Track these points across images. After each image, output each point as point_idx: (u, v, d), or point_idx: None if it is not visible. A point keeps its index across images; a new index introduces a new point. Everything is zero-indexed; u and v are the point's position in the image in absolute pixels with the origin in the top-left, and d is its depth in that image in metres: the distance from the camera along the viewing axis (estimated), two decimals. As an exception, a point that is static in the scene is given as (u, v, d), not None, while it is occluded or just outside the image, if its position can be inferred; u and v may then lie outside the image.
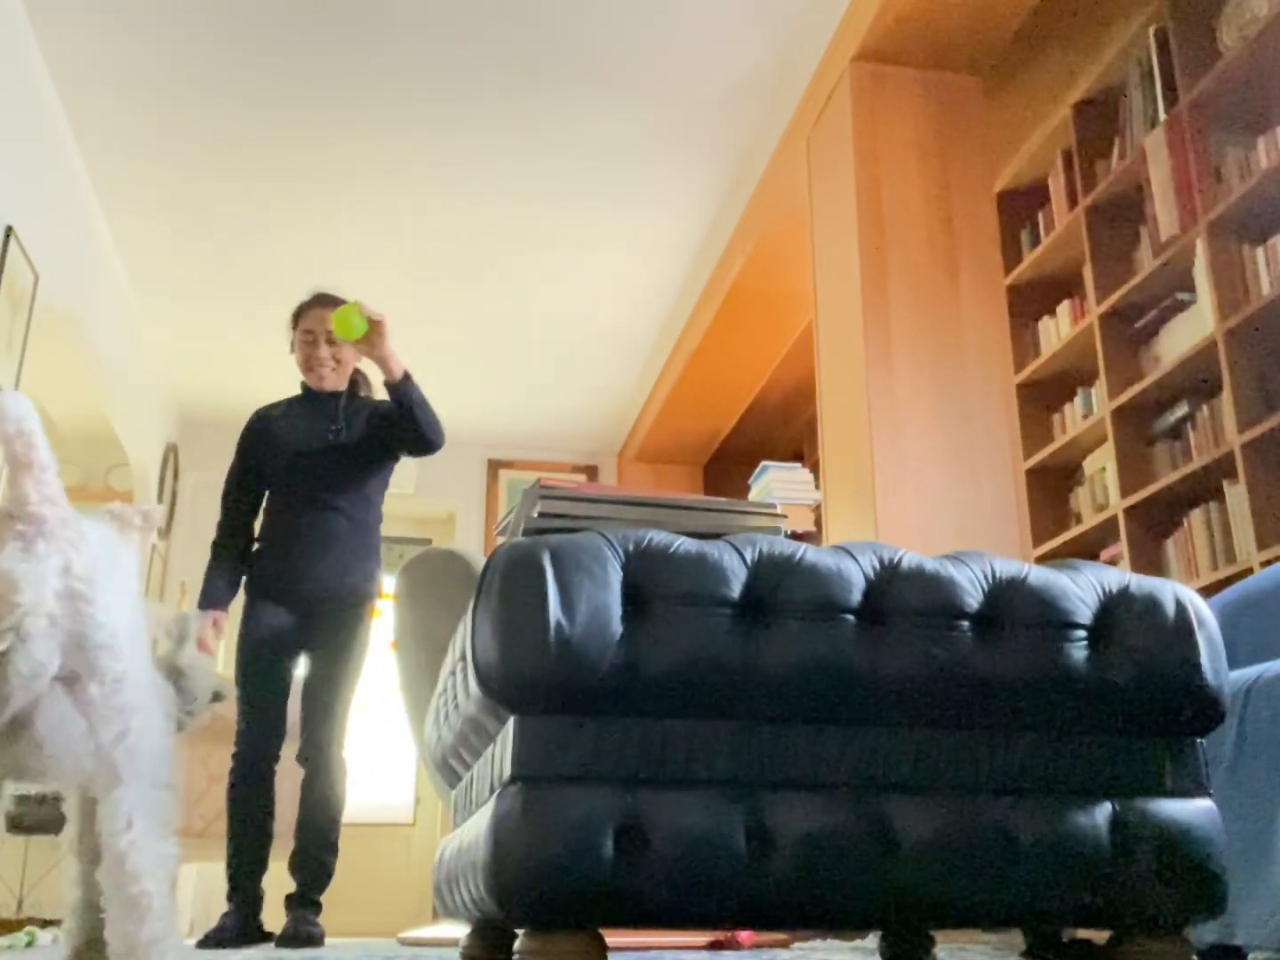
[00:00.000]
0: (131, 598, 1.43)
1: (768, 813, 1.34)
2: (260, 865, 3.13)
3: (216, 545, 3.31)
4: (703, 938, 2.93)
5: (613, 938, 2.29)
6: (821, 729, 1.39)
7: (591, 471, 7.42)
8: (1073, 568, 1.56)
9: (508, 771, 1.32)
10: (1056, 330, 3.93)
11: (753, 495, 4.02)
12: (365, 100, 4.25)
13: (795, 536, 3.58)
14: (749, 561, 1.42)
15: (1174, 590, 1.54)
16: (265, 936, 3.11)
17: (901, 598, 1.44)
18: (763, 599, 1.40)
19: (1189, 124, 3.27)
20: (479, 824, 1.41)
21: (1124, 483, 3.47)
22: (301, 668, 3.26)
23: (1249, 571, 2.92)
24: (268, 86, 4.17)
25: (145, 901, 1.31)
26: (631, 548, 1.40)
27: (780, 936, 3.14)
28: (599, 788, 1.31)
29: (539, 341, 6.04)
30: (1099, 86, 3.75)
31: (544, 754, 1.32)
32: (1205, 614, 1.53)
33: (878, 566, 1.46)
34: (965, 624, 1.44)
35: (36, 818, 4.17)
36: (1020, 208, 4.19)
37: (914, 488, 3.40)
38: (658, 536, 1.42)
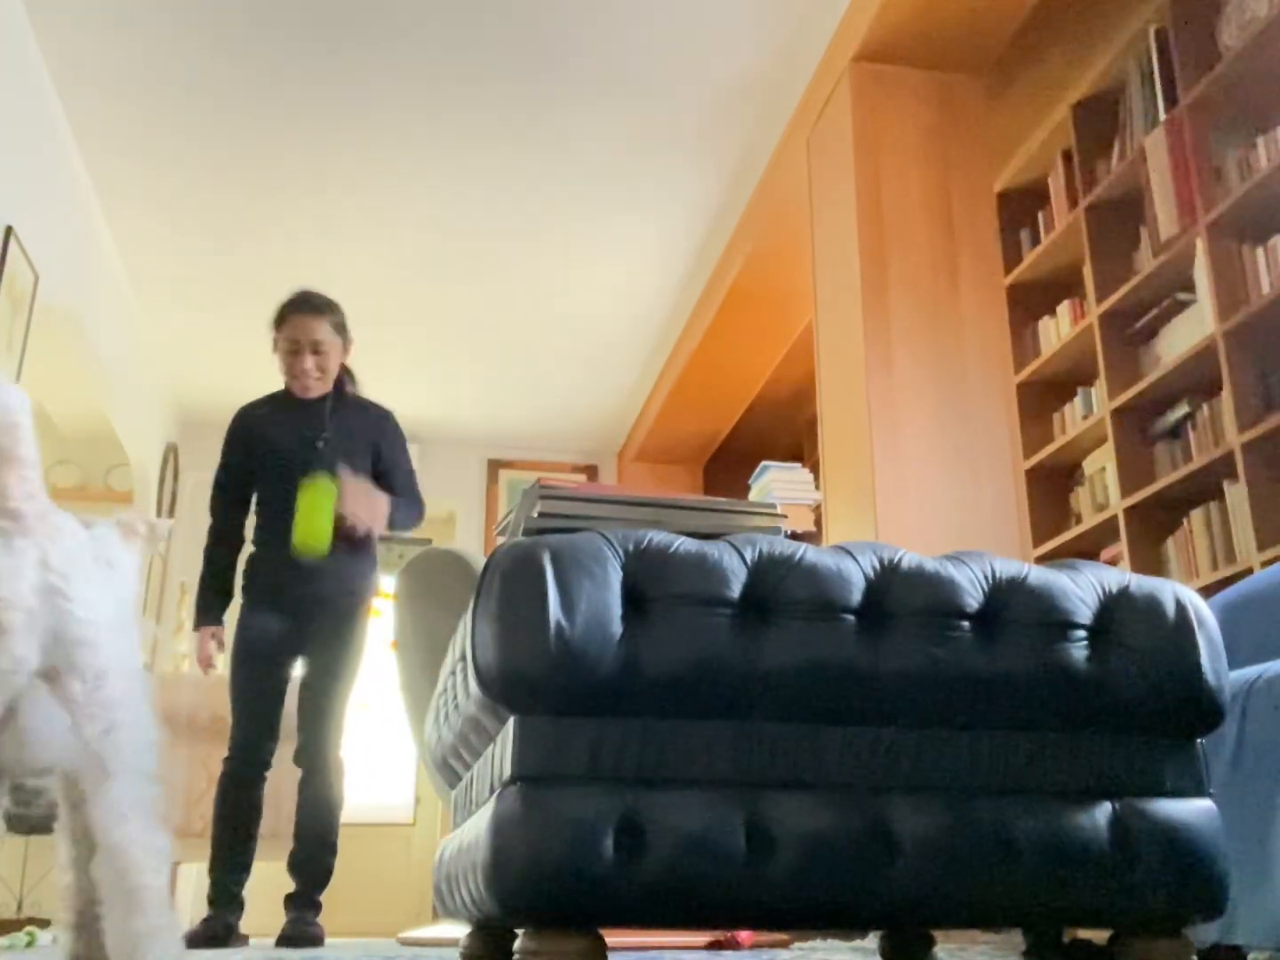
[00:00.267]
0: (119, 596, 1.42)
1: (768, 813, 1.34)
2: (244, 869, 3.13)
3: (209, 552, 3.30)
4: (703, 938, 2.93)
5: (613, 938, 2.29)
6: (821, 729, 1.39)
7: (591, 471, 7.42)
8: (1073, 568, 1.56)
9: (508, 771, 1.32)
10: (1056, 330, 3.93)
11: (753, 495, 4.02)
12: (366, 102, 4.25)
13: (795, 536, 3.58)
14: (749, 561, 1.42)
15: (1174, 590, 1.54)
16: (243, 940, 3.11)
17: (901, 598, 1.44)
18: (763, 599, 1.40)
19: (1189, 124, 3.27)
20: (479, 824, 1.41)
21: (1124, 483, 3.47)
22: (298, 669, 3.26)
23: (1249, 571, 2.92)
24: (267, 87, 4.17)
25: (143, 894, 1.30)
26: (631, 548, 1.40)
27: (780, 936, 3.14)
28: (599, 788, 1.31)
29: (539, 341, 6.04)
30: (1099, 86, 3.75)
31: (544, 754, 1.31)
32: (1205, 614, 1.53)
33: (878, 566, 1.46)
34: (965, 624, 1.44)
35: (30, 821, 4.17)
36: (1020, 208, 4.19)
37: (914, 488, 3.40)
38: (658, 536, 1.42)
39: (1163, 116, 3.38)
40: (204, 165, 4.60)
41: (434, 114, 4.33)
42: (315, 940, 3.07)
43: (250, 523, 3.35)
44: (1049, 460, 3.90)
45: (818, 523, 3.97)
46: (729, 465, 6.85)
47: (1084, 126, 3.81)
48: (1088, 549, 3.71)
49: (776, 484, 3.87)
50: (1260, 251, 3.08)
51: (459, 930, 3.18)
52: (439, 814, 6.69)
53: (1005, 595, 1.48)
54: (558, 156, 4.57)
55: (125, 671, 1.37)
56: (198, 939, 2.96)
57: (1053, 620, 1.47)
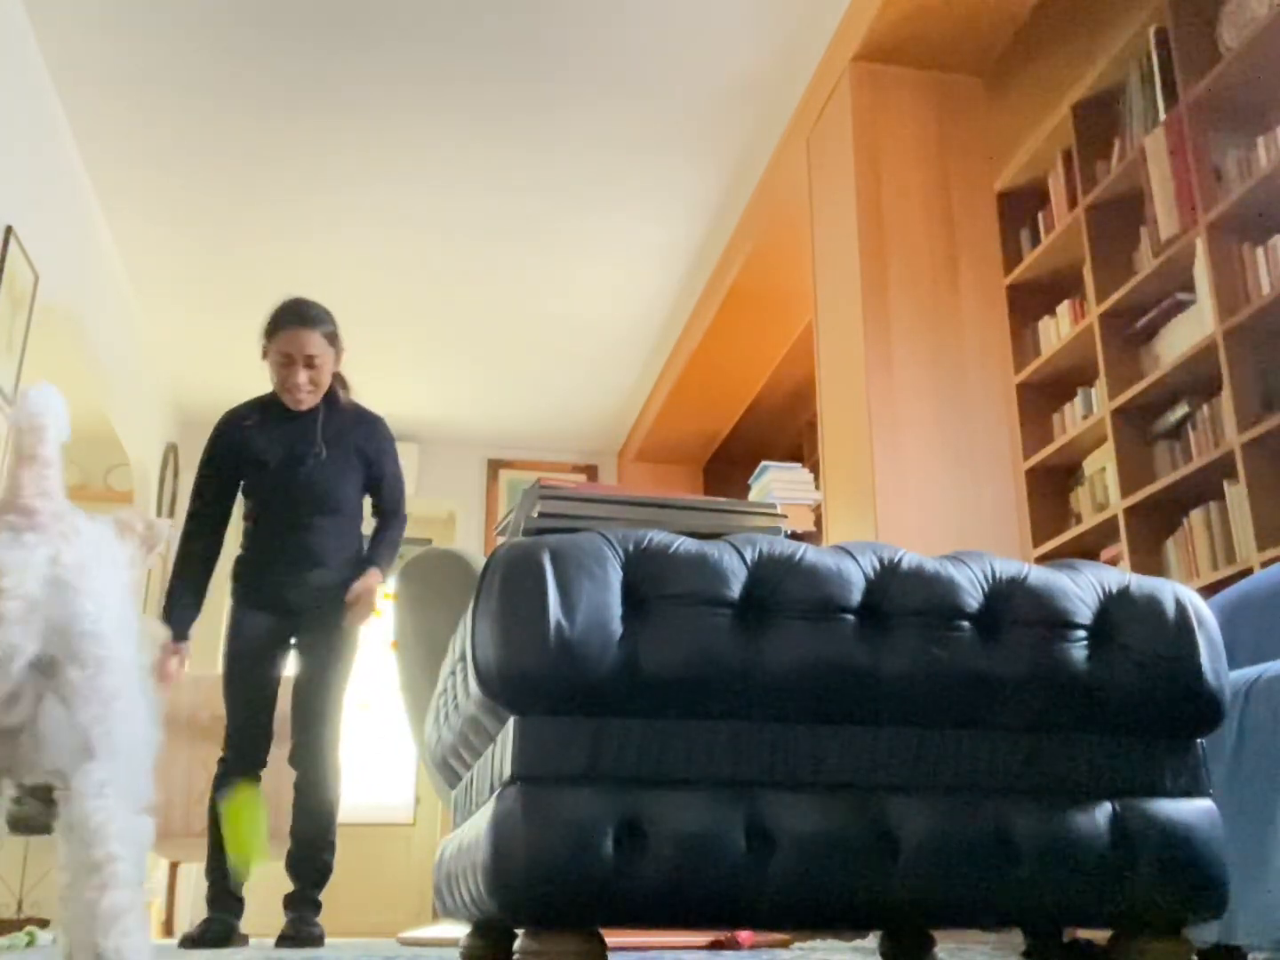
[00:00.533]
0: (124, 594, 1.43)
1: (768, 813, 1.34)
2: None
3: (181, 560, 3.24)
4: (703, 938, 2.93)
5: (613, 938, 2.29)
6: (821, 729, 1.39)
7: (591, 471, 7.42)
8: (1073, 568, 1.56)
9: (508, 771, 1.32)
10: (1056, 330, 3.93)
11: (753, 495, 4.02)
12: (366, 102, 4.25)
13: (795, 536, 3.58)
14: (749, 561, 1.42)
15: (1174, 590, 1.54)
16: (243, 940, 3.11)
17: (901, 598, 1.44)
18: (763, 599, 1.40)
19: (1189, 124, 3.27)
20: (479, 824, 1.41)
21: (1124, 483, 3.46)
22: (291, 667, 3.26)
23: (1249, 571, 2.92)
24: (267, 88, 4.17)
25: (110, 867, 1.25)
26: (631, 548, 1.40)
27: (780, 936, 3.14)
28: (599, 788, 1.31)
29: (539, 341, 6.04)
30: (1099, 86, 3.75)
31: (544, 754, 1.31)
32: (1205, 614, 1.53)
33: (878, 566, 1.46)
34: (965, 624, 1.44)
35: (33, 820, 4.17)
36: (1020, 208, 4.19)
37: (914, 488, 3.40)
38: (658, 536, 1.42)
39: (1163, 116, 3.38)
40: (204, 165, 4.60)
41: (434, 114, 4.33)
42: (315, 940, 3.07)
43: (237, 521, 3.34)
44: (1049, 460, 3.90)
45: (818, 523, 3.97)
46: (729, 465, 6.85)
47: (1084, 126, 3.81)
48: (1088, 549, 3.71)
49: (776, 484, 3.87)
50: (1260, 251, 3.08)
51: (459, 930, 3.18)
52: (439, 814, 6.69)
53: (1005, 595, 1.48)
54: (557, 157, 4.57)
55: (126, 665, 1.37)
56: (197, 939, 2.96)
57: (1053, 620, 1.47)
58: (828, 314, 3.89)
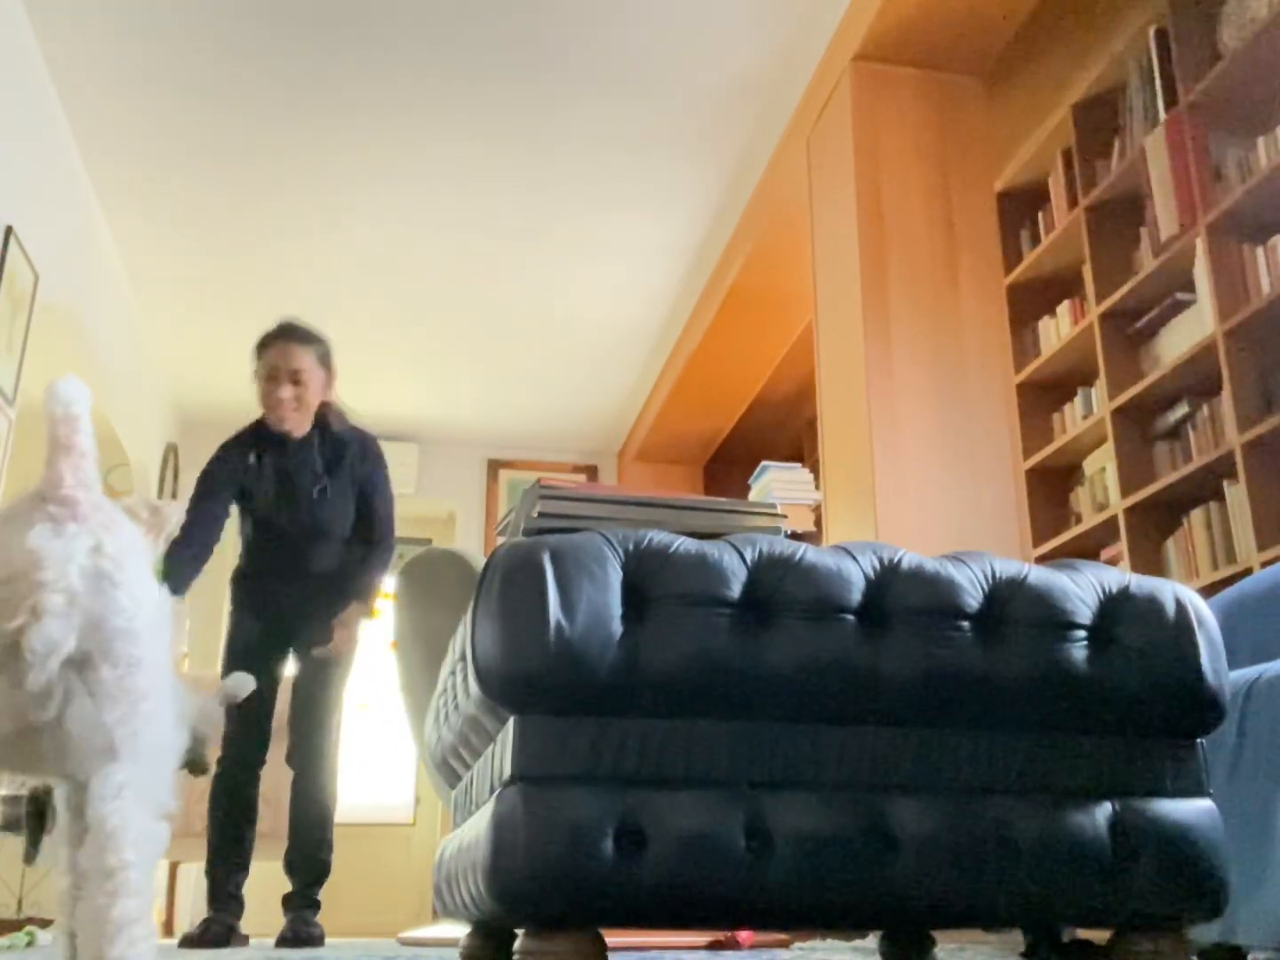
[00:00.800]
0: (157, 589, 1.41)
1: (768, 813, 1.34)
2: (242, 869, 3.13)
3: (183, 529, 3.09)
4: (703, 938, 2.93)
5: (613, 938, 2.29)
6: (821, 729, 1.39)
7: (591, 471, 7.42)
8: (1073, 568, 1.56)
9: (508, 771, 1.32)
10: (1056, 330, 3.92)
11: (753, 495, 4.02)
12: (366, 102, 4.25)
13: (795, 536, 3.58)
14: (749, 561, 1.42)
15: (1174, 590, 1.54)
16: (243, 940, 3.11)
17: (901, 598, 1.44)
18: (763, 599, 1.40)
19: (1189, 124, 3.27)
20: (479, 824, 1.41)
21: (1124, 483, 3.46)
22: (290, 669, 3.27)
23: (1249, 571, 2.92)
24: (267, 87, 4.17)
25: (122, 874, 1.23)
26: (631, 548, 1.40)
27: (780, 936, 3.14)
28: (599, 788, 1.31)
29: (539, 341, 6.04)
30: (1099, 86, 3.75)
31: (544, 754, 1.31)
32: (1205, 614, 1.53)
33: (878, 566, 1.46)
34: (965, 624, 1.44)
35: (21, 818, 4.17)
36: (1020, 208, 4.19)
37: (914, 488, 3.40)
38: (658, 536, 1.42)
39: (1163, 116, 3.38)
40: (204, 165, 4.60)
41: (435, 114, 4.33)
42: (315, 941, 3.07)
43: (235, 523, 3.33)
44: (1049, 460, 3.90)
45: (818, 523, 3.97)
46: (729, 465, 6.85)
47: (1084, 126, 3.80)
48: (1088, 549, 3.71)
49: (776, 484, 3.87)
50: (1260, 251, 3.08)
51: (459, 930, 3.18)
52: (439, 814, 6.69)
53: (1005, 595, 1.47)
54: (557, 156, 4.57)
55: (157, 665, 1.35)
56: (197, 939, 2.97)
57: (1053, 620, 1.47)
58: (828, 314, 3.89)
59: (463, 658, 1.53)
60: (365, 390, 6.46)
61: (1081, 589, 1.51)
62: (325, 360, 3.25)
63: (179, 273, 5.37)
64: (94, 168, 4.62)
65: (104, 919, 1.21)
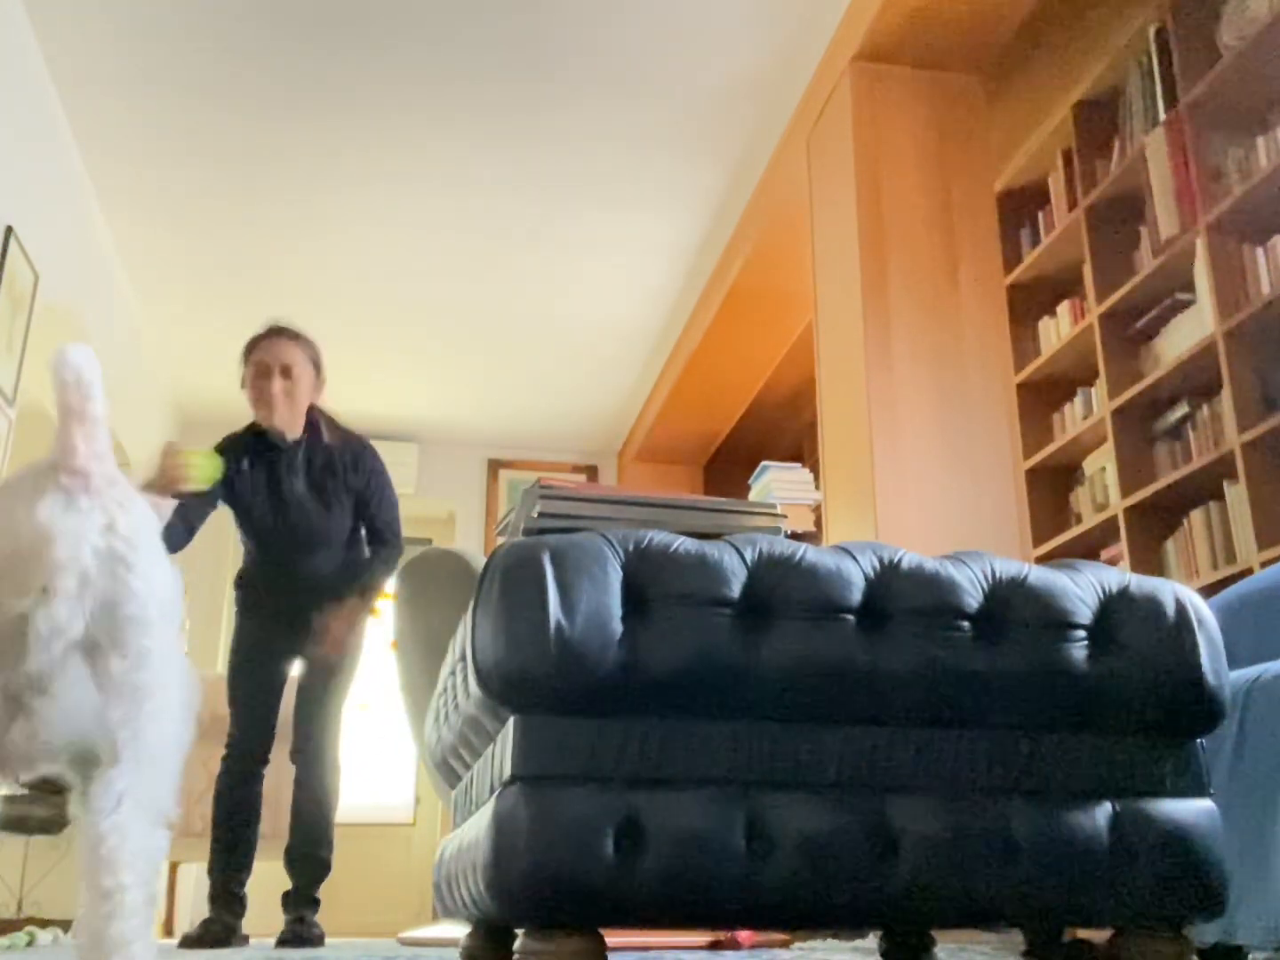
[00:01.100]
0: (169, 574, 1.34)
1: (768, 813, 1.34)
2: (244, 869, 3.13)
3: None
4: (703, 938, 2.93)
5: (613, 938, 2.29)
6: (821, 729, 1.39)
7: (591, 471, 7.42)
8: (1073, 568, 1.56)
9: (508, 771, 1.32)
10: (1056, 330, 3.93)
11: (753, 495, 4.01)
12: (366, 102, 4.25)
13: (795, 536, 3.57)
14: (749, 561, 1.42)
15: (1174, 590, 1.54)
16: (244, 940, 3.11)
17: (901, 598, 1.44)
18: (763, 599, 1.40)
19: (1189, 124, 3.27)
20: (479, 824, 1.41)
21: (1124, 483, 3.46)
22: (296, 669, 3.27)
23: (1249, 571, 2.92)
24: (267, 87, 4.17)
25: (119, 896, 1.18)
26: (631, 548, 1.40)
27: (780, 936, 3.14)
28: (599, 788, 1.31)
29: (539, 341, 6.04)
30: (1099, 86, 3.75)
31: (544, 754, 1.31)
32: (1205, 614, 1.53)
33: (878, 566, 1.46)
34: (965, 624, 1.44)
35: (38, 819, 4.17)
36: (1020, 208, 4.19)
37: (914, 488, 3.40)
38: (658, 536, 1.42)
39: (1163, 116, 3.38)
40: (204, 165, 4.59)
41: (434, 114, 4.33)
42: (315, 941, 3.07)
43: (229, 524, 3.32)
44: (1049, 460, 3.90)
45: (818, 523, 3.96)
46: (729, 465, 6.84)
47: (1084, 126, 3.81)
48: (1088, 549, 3.71)
49: (776, 484, 3.86)
50: (1260, 251, 3.08)
51: (459, 930, 3.18)
52: (439, 814, 6.69)
53: (1005, 595, 1.48)
54: (557, 157, 4.57)
55: (166, 657, 1.28)
56: (197, 939, 2.97)
57: (1053, 620, 1.47)
58: (828, 314, 3.89)
59: (463, 658, 1.53)
60: (365, 390, 6.46)
61: (1081, 589, 1.51)
62: (315, 361, 3.22)
63: (179, 273, 5.37)
64: (94, 168, 4.62)
65: (100, 939, 1.17)
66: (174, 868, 5.23)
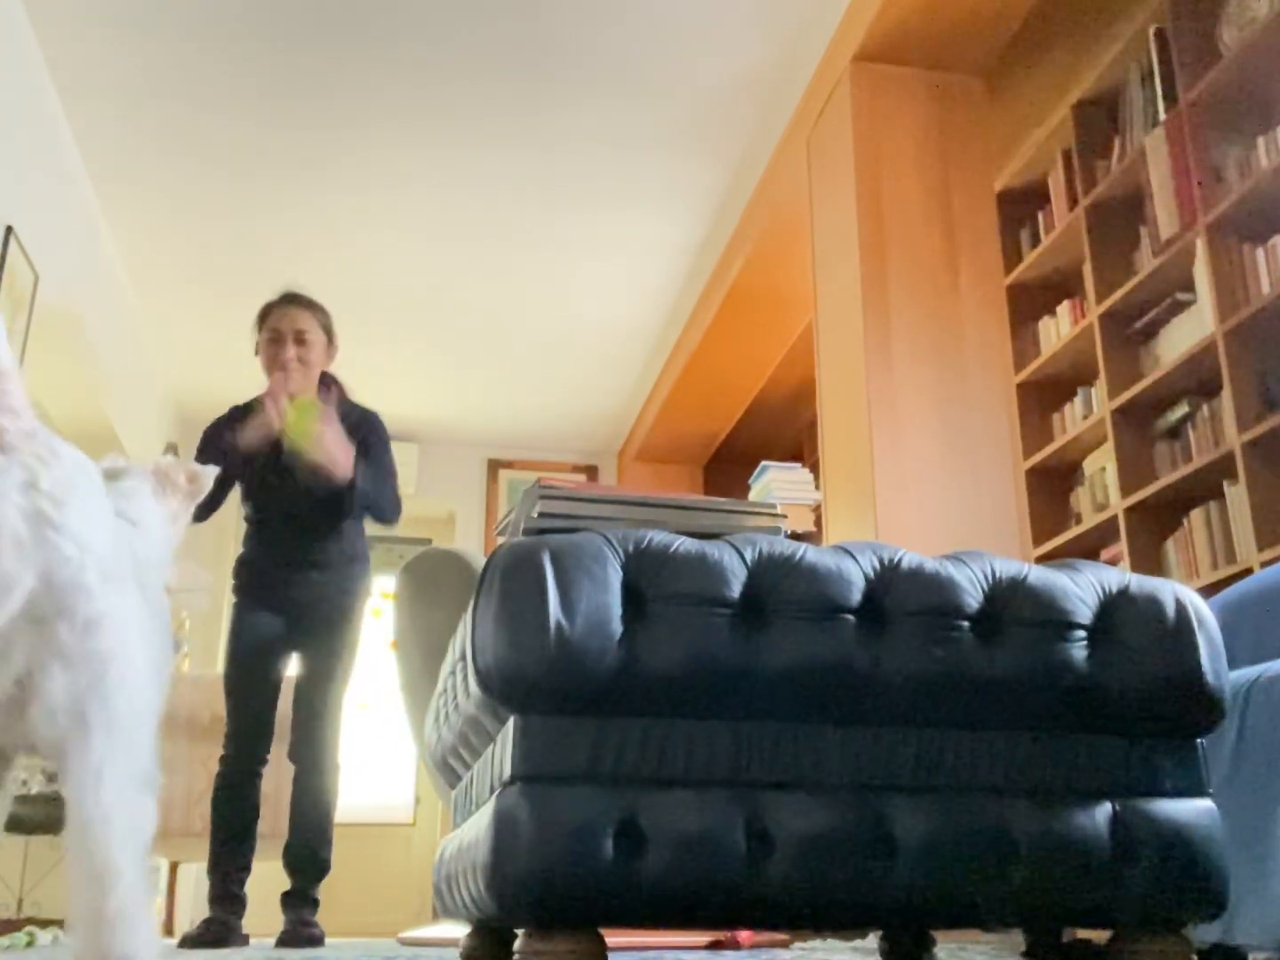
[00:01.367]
0: (139, 554, 1.28)
1: (768, 813, 1.34)
2: (244, 869, 3.12)
3: None
4: (703, 938, 2.93)
5: (613, 938, 2.29)
6: (821, 729, 1.39)
7: (591, 471, 7.42)
8: (1073, 568, 1.56)
9: (508, 771, 1.32)
10: (1056, 330, 3.93)
11: (753, 495, 4.01)
12: (366, 102, 4.25)
13: (795, 536, 3.58)
14: (749, 561, 1.42)
15: (1174, 590, 1.54)
16: (244, 940, 3.11)
17: (901, 598, 1.44)
18: (763, 599, 1.40)
19: (1189, 124, 3.27)
20: (479, 824, 1.41)
21: (1124, 483, 3.46)
22: (293, 667, 3.27)
23: (1249, 571, 2.92)
24: (267, 87, 4.17)
25: (112, 875, 1.13)
26: (631, 548, 1.39)
27: (780, 936, 3.14)
28: (599, 788, 1.31)
29: (539, 341, 6.04)
30: (1099, 86, 3.75)
31: (544, 754, 1.31)
32: (1205, 614, 1.53)
33: (878, 566, 1.46)
34: (965, 624, 1.44)
35: (36, 819, 4.17)
36: (1020, 208, 4.19)
37: (914, 487, 3.40)
38: (658, 536, 1.42)
39: (1163, 116, 3.38)
40: (204, 166, 4.60)
41: (434, 115, 4.33)
42: (315, 941, 3.07)
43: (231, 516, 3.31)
44: (1049, 460, 3.90)
45: (818, 523, 3.97)
46: (729, 465, 6.84)
47: (1084, 126, 3.81)
48: (1088, 549, 3.71)
49: (776, 484, 3.86)
50: (1260, 251, 3.08)
51: (459, 930, 3.18)
52: (439, 814, 6.69)
53: (1005, 595, 1.47)
54: (557, 157, 4.57)
55: (120, 620, 1.20)
56: (197, 939, 2.96)
57: (1053, 620, 1.47)
58: (828, 314, 3.89)
59: (463, 658, 1.53)
60: (365, 390, 6.42)
61: (1081, 589, 1.51)
62: (327, 328, 3.29)
63: (179, 273, 5.37)
64: (94, 168, 4.61)
65: (99, 917, 1.13)
66: (174, 868, 5.23)
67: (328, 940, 3.39)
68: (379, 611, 6.86)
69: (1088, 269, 3.69)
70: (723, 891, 1.31)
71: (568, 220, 4.99)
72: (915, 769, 1.40)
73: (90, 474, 1.23)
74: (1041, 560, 3.75)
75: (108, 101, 4.24)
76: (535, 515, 1.57)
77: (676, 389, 6.05)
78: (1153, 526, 3.42)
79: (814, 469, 3.95)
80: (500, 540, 1.90)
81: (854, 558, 1.46)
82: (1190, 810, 1.46)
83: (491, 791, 1.42)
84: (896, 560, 1.47)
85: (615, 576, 1.37)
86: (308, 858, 3.14)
